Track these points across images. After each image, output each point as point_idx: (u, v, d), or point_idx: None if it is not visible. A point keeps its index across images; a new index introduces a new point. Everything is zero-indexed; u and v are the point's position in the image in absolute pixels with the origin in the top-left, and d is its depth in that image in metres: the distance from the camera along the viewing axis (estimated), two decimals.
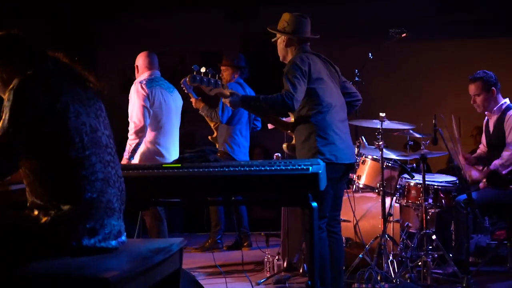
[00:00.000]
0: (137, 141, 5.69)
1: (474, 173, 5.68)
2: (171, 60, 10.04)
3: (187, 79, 4.29)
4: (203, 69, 4.28)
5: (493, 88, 5.72)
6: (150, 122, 5.76)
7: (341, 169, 4.49)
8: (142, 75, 5.92)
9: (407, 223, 5.88)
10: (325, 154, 4.34)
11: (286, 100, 4.29)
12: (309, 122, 4.47)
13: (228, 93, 4.46)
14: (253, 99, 4.52)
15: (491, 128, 5.84)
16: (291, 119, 4.64)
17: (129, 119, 5.78)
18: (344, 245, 5.59)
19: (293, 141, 4.65)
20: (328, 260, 4.44)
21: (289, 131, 4.75)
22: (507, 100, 5.77)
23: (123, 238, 3.03)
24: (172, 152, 5.87)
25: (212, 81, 4.34)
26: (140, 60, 5.99)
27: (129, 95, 5.84)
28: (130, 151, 5.67)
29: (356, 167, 5.80)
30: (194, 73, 4.27)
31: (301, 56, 4.52)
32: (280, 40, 4.72)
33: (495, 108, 5.76)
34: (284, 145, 4.81)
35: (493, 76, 5.75)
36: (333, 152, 4.40)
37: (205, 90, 4.44)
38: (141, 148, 5.75)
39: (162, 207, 5.55)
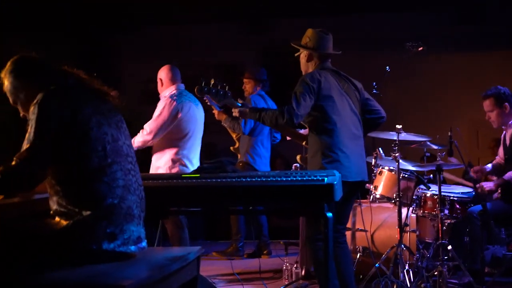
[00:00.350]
0: (148, 138, 5.78)
1: (486, 185, 5.63)
2: (192, 72, 10.07)
3: (195, 90, 4.31)
4: (212, 81, 4.30)
5: (506, 103, 5.69)
6: (178, 133, 5.80)
7: (346, 187, 4.31)
8: (168, 89, 5.94)
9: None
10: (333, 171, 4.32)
11: (285, 115, 4.31)
12: (317, 137, 4.49)
13: (237, 103, 4.48)
14: (260, 110, 4.54)
15: (507, 142, 5.79)
16: (307, 131, 4.65)
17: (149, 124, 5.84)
18: (360, 254, 5.61)
19: (306, 154, 4.66)
20: (335, 270, 4.40)
21: (304, 143, 4.75)
22: None
23: (143, 244, 3.07)
24: (194, 163, 5.90)
25: (221, 92, 4.36)
26: (164, 74, 6.01)
27: (157, 106, 5.88)
28: (135, 146, 5.73)
29: (373, 177, 5.80)
30: (203, 84, 4.29)
31: (313, 73, 4.53)
32: (302, 55, 4.75)
33: (510, 122, 5.73)
34: (298, 157, 4.83)
35: (506, 92, 5.72)
36: (337, 170, 4.30)
37: (214, 100, 4.46)
38: (166, 158, 5.79)
39: (181, 215, 5.57)
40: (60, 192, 2.91)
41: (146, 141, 5.81)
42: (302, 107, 4.35)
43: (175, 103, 5.77)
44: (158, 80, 6.03)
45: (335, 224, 4.51)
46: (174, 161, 5.79)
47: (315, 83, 4.44)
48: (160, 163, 5.81)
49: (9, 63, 3.16)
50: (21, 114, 3.18)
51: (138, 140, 5.76)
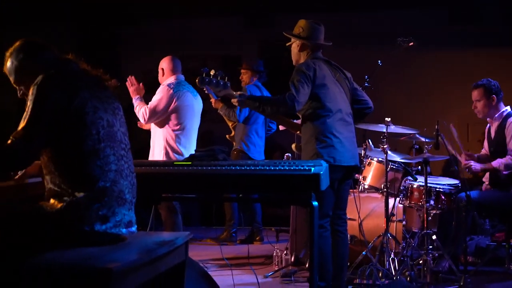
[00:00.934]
0: (143, 119, 5.87)
1: (474, 164, 5.63)
2: (192, 63, 10.07)
3: (197, 81, 4.31)
4: (212, 72, 4.30)
5: (493, 95, 5.70)
6: (175, 121, 5.82)
7: (340, 171, 4.46)
8: (168, 79, 5.97)
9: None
10: (324, 156, 4.34)
11: (288, 101, 4.30)
12: (311, 124, 4.49)
13: (236, 94, 4.47)
14: (259, 99, 4.53)
15: (492, 135, 5.81)
16: (300, 120, 4.66)
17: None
18: (349, 242, 5.62)
19: (301, 142, 4.66)
20: (330, 257, 4.44)
21: (298, 132, 4.75)
22: (508, 108, 5.75)
23: (133, 229, 3.08)
24: (190, 152, 5.90)
25: (221, 83, 4.35)
26: (165, 64, 6.03)
27: (156, 93, 5.90)
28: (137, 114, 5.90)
29: (362, 168, 5.80)
30: (204, 75, 4.29)
31: (308, 61, 4.54)
32: (294, 45, 4.73)
33: (496, 115, 5.74)
34: (293, 145, 4.85)
35: (495, 85, 5.72)
36: (331, 154, 4.38)
37: (214, 91, 4.46)
38: (162, 145, 5.82)
39: (173, 202, 5.57)
40: (54, 171, 2.92)
41: (141, 123, 5.92)
42: (302, 94, 4.35)
43: (171, 91, 5.79)
44: (160, 70, 6.05)
45: (336, 210, 4.54)
46: (170, 150, 5.80)
47: (311, 72, 4.44)
48: (157, 150, 5.84)
49: (16, 43, 3.17)
50: (19, 94, 3.20)
51: (138, 114, 5.89)
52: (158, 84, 6.04)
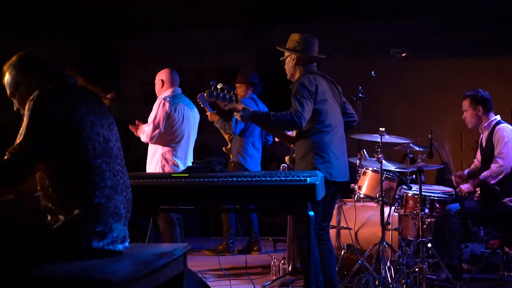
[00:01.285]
0: (145, 140, 5.91)
1: (464, 187, 5.68)
2: (189, 75, 10.12)
3: (205, 94, 4.33)
4: (219, 85, 4.32)
5: (479, 106, 5.75)
6: (171, 134, 5.86)
7: (334, 186, 4.48)
8: (165, 92, 5.98)
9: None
10: (321, 171, 4.35)
11: (295, 119, 4.31)
12: (309, 139, 4.49)
13: (241, 108, 4.49)
14: (263, 115, 4.52)
15: (484, 144, 5.85)
16: (294, 133, 4.67)
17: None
18: (344, 251, 5.63)
19: (294, 154, 4.68)
20: (319, 266, 4.46)
21: (292, 145, 4.77)
22: (497, 117, 5.79)
23: (127, 244, 3.07)
24: (187, 163, 5.92)
25: (228, 97, 4.37)
26: (164, 76, 6.06)
27: (153, 109, 5.93)
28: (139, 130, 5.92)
29: (358, 178, 5.82)
30: (212, 89, 4.31)
31: (309, 77, 4.53)
32: (289, 59, 4.72)
33: (485, 125, 5.79)
34: (286, 158, 4.86)
35: (483, 95, 5.77)
36: (328, 170, 4.40)
37: (220, 104, 4.47)
38: (159, 158, 5.84)
39: (170, 213, 5.59)
40: (48, 188, 2.90)
41: (146, 141, 5.93)
42: (307, 111, 4.37)
43: (168, 104, 5.81)
44: (158, 82, 6.07)
45: (321, 222, 4.56)
46: (166, 162, 5.83)
47: (313, 87, 4.45)
48: (153, 163, 5.86)
49: (14, 57, 3.15)
50: (15, 108, 3.18)
51: (142, 139, 5.90)
52: (156, 96, 6.06)
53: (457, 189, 5.71)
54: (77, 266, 2.73)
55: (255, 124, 4.88)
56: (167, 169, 5.79)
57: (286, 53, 4.74)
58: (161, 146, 5.84)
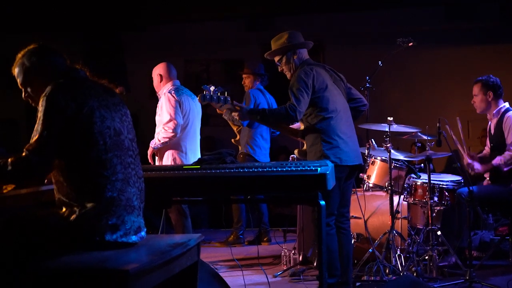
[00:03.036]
0: (172, 134, 5.84)
1: (476, 165, 5.69)
2: (196, 67, 10.14)
3: (198, 98, 4.41)
4: (212, 88, 4.38)
5: (490, 91, 5.74)
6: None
7: (345, 170, 4.53)
8: (165, 86, 6.03)
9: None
10: (330, 157, 4.39)
11: (290, 112, 4.38)
12: (315, 128, 4.54)
13: (237, 108, 4.54)
14: (259, 112, 4.60)
15: (492, 131, 5.86)
16: (301, 126, 4.71)
17: (156, 127, 5.91)
18: (355, 240, 5.66)
19: (304, 147, 4.70)
20: (337, 254, 4.50)
21: (298, 138, 4.80)
22: (506, 104, 5.79)
23: (143, 233, 3.11)
24: (194, 153, 5.99)
25: (222, 98, 4.43)
26: (162, 70, 6.09)
27: (159, 105, 5.97)
28: (160, 142, 5.86)
29: (366, 167, 5.84)
30: (204, 93, 4.36)
31: (305, 69, 4.57)
32: (282, 63, 4.77)
33: (494, 112, 5.79)
34: (296, 151, 4.89)
35: (495, 81, 5.76)
36: (338, 155, 4.44)
37: (215, 106, 4.54)
38: (167, 149, 5.88)
39: (183, 205, 5.63)
40: (62, 182, 2.94)
41: (171, 137, 5.87)
42: (302, 103, 4.42)
43: (175, 97, 5.85)
44: (156, 76, 6.09)
45: (340, 208, 4.59)
46: (176, 153, 5.86)
47: (310, 78, 4.49)
48: (161, 154, 5.91)
49: (28, 47, 3.17)
50: (23, 96, 3.19)
51: (162, 137, 5.86)
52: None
53: (466, 165, 5.71)
54: (93, 257, 2.77)
55: (253, 120, 4.93)
56: (178, 161, 5.84)
57: (276, 58, 4.78)
58: None
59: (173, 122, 5.82)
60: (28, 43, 3.24)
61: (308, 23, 4.95)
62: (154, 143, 5.90)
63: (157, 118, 5.98)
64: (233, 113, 4.56)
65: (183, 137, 5.92)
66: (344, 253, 4.60)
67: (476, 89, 5.83)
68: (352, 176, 4.71)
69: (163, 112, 5.89)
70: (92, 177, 2.91)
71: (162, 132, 5.84)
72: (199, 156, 5.92)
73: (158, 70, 6.11)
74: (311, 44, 4.82)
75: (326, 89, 4.55)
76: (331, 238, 4.44)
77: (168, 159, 5.89)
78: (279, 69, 4.84)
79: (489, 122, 5.96)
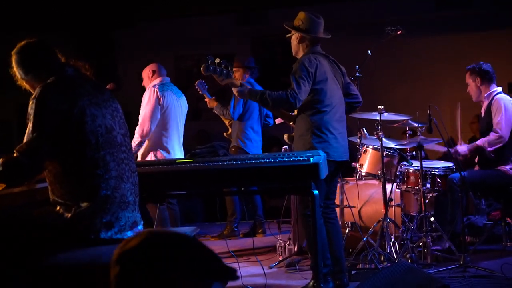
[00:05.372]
0: (139, 140, 5.92)
1: (460, 148, 5.77)
2: (187, 63, 10.14)
3: (202, 68, 4.33)
4: (217, 60, 4.33)
5: (477, 77, 5.81)
6: (159, 122, 5.95)
7: (332, 165, 4.49)
8: (154, 81, 6.09)
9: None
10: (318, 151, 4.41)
11: (290, 98, 4.35)
12: (308, 119, 4.54)
13: (238, 84, 4.52)
14: (260, 93, 4.56)
15: (482, 114, 5.92)
16: (295, 112, 4.71)
17: (139, 120, 5.96)
18: (349, 229, 5.69)
19: (293, 133, 4.72)
20: (327, 244, 4.52)
21: (291, 123, 4.81)
22: (498, 88, 5.84)
23: (140, 227, 3.12)
24: (176, 150, 6.06)
25: (225, 72, 4.38)
26: (154, 67, 6.19)
27: (143, 97, 6.01)
28: (133, 149, 5.86)
29: (358, 156, 5.86)
30: (209, 63, 4.32)
31: (310, 57, 4.55)
32: (294, 37, 4.74)
33: (485, 95, 5.86)
34: (285, 136, 4.87)
35: (482, 67, 5.81)
36: (326, 149, 4.41)
37: (217, 79, 4.46)
38: (149, 144, 5.98)
39: (177, 198, 5.65)
40: (57, 184, 2.95)
41: (142, 134, 5.92)
42: (303, 91, 4.41)
43: (158, 91, 5.94)
44: (148, 73, 6.17)
45: (325, 200, 4.61)
46: (156, 148, 5.95)
47: (313, 68, 4.48)
48: (145, 150, 5.97)
49: (20, 44, 3.16)
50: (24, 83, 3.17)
51: (133, 142, 5.83)
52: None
53: (452, 150, 5.77)
54: (89, 253, 2.77)
55: (252, 100, 4.91)
56: (158, 155, 5.93)
57: (291, 32, 4.76)
58: (152, 134, 5.94)
59: (141, 128, 5.90)
60: (19, 42, 3.22)
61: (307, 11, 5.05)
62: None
63: (141, 110, 6.04)
64: (233, 89, 4.54)
65: (163, 133, 5.98)
66: (334, 242, 4.62)
67: (467, 78, 5.92)
68: (338, 171, 4.74)
69: (142, 107, 5.98)
70: (86, 177, 2.92)
71: (134, 138, 5.90)
72: (181, 152, 6.04)
73: (151, 67, 6.21)
74: (328, 37, 4.76)
75: (326, 81, 4.55)
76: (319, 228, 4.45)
77: (148, 152, 5.96)
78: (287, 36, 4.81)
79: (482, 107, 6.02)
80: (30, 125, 2.90)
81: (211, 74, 4.40)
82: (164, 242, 1.72)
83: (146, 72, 6.21)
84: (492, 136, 5.63)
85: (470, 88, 5.89)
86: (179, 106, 6.13)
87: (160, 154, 5.92)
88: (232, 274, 1.81)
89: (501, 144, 5.64)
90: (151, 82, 6.12)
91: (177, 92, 6.16)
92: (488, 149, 5.64)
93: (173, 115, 6.03)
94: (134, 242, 1.70)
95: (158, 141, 5.95)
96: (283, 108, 4.68)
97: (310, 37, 4.68)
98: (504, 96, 5.77)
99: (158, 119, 5.92)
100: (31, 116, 2.90)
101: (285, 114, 4.94)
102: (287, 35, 4.80)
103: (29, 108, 2.94)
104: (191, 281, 1.69)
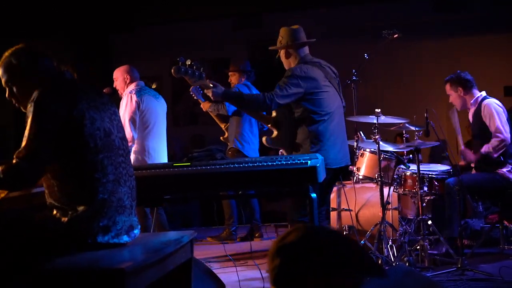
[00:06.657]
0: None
1: (469, 154, 5.80)
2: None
3: (172, 70, 4.29)
4: (188, 61, 4.30)
5: (459, 87, 5.86)
6: (140, 126, 5.95)
7: (329, 173, 4.49)
8: (129, 87, 6.09)
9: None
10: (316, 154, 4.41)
11: (267, 101, 4.41)
12: (305, 128, 4.57)
13: (211, 85, 4.49)
14: (236, 94, 4.58)
15: (471, 120, 5.96)
16: (273, 113, 4.74)
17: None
18: (346, 232, 5.68)
19: (273, 135, 4.73)
20: None
21: (269, 125, 4.82)
22: (483, 93, 5.91)
23: (136, 231, 3.10)
24: (160, 153, 6.06)
25: (197, 73, 4.36)
26: (125, 73, 6.15)
27: (121, 105, 5.98)
28: None
29: (356, 159, 5.86)
30: (180, 64, 4.29)
31: (301, 67, 4.60)
32: (281, 54, 4.83)
33: (471, 101, 5.90)
34: (264, 138, 4.88)
35: (460, 76, 5.89)
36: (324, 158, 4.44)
37: (189, 81, 4.45)
38: (133, 149, 5.95)
39: (175, 203, 5.63)
40: (54, 187, 2.92)
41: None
42: (282, 97, 4.43)
43: (135, 97, 5.93)
44: (121, 78, 6.13)
45: (318, 207, 4.60)
46: (138, 152, 5.94)
47: (302, 77, 4.51)
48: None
49: (14, 48, 3.11)
50: (7, 95, 3.12)
51: None
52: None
53: (462, 150, 5.82)
54: (86, 257, 2.76)
55: (227, 102, 4.88)
56: (142, 160, 5.92)
57: (278, 50, 4.83)
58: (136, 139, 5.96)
59: (129, 124, 5.87)
60: (11, 44, 3.19)
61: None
62: None
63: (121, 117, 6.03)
64: (205, 90, 4.53)
65: (145, 137, 5.97)
66: None
67: (447, 89, 6.01)
68: (336, 178, 4.75)
69: (121, 114, 5.88)
70: (84, 180, 2.89)
71: None
72: (165, 155, 6.07)
73: (121, 73, 6.16)
74: (312, 40, 4.82)
75: (321, 90, 4.56)
76: None
77: (132, 156, 5.92)
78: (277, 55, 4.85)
79: (469, 113, 6.05)
80: (28, 129, 2.86)
81: (182, 76, 4.37)
82: (322, 238, 1.85)
83: (121, 78, 6.15)
84: (494, 142, 5.62)
85: (453, 98, 5.96)
86: (159, 108, 6.13)
87: (144, 159, 5.91)
88: (382, 271, 1.92)
89: (505, 147, 5.64)
90: (127, 88, 6.10)
91: (154, 94, 6.16)
92: (495, 155, 5.63)
93: (153, 119, 6.03)
94: (293, 236, 1.85)
95: (141, 145, 5.95)
96: (260, 110, 4.68)
97: (294, 45, 4.73)
98: (491, 100, 5.81)
99: (138, 124, 5.91)
100: (30, 120, 2.86)
101: (262, 116, 4.95)
102: (276, 56, 4.85)
103: (27, 111, 2.90)
104: (345, 276, 1.80)
